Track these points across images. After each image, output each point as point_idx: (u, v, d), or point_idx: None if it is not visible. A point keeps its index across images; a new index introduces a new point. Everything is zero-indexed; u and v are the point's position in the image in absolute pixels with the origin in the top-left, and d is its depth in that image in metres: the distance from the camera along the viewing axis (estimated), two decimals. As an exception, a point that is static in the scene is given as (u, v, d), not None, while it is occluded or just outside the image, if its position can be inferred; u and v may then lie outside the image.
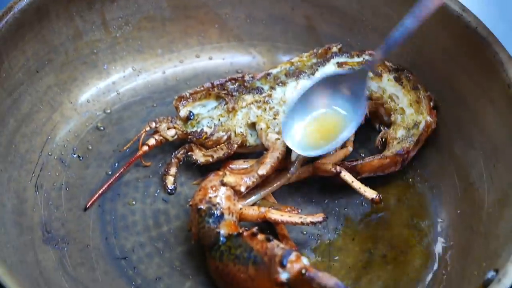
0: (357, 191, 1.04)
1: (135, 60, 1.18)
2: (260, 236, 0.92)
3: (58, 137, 1.10)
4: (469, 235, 1.01)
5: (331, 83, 1.04)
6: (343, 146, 1.09)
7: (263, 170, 1.01)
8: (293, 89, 1.09)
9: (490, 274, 0.90)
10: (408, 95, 1.11)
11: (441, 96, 1.11)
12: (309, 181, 1.09)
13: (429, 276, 1.01)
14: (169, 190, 1.08)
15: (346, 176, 1.04)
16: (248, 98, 1.09)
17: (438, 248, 1.03)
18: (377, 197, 1.03)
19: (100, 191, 1.05)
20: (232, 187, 0.98)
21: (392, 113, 1.11)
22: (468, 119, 1.08)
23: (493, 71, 1.03)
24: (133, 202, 1.06)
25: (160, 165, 1.10)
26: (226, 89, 1.10)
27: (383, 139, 1.11)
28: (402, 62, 1.14)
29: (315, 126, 1.04)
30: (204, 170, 1.08)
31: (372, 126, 1.14)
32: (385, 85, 1.11)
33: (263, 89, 1.10)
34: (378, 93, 1.11)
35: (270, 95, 1.09)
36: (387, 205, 1.08)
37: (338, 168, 1.04)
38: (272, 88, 1.10)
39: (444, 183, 1.09)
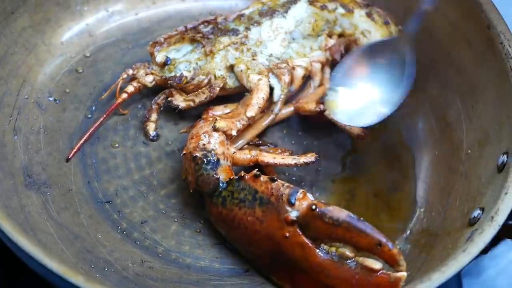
0: (342, 128, 1.03)
1: (107, 1, 1.16)
2: (263, 177, 0.91)
3: (34, 80, 1.07)
4: (448, 175, 1.03)
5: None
6: (320, 84, 1.09)
7: (251, 112, 1.00)
8: (269, 29, 1.08)
9: (476, 212, 0.92)
10: (380, 30, 1.11)
11: (416, 38, 1.12)
12: (289, 123, 1.10)
13: (412, 216, 1.03)
14: (151, 137, 1.06)
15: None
16: (225, 40, 1.07)
17: (419, 188, 1.05)
18: (362, 133, 1.03)
19: (81, 141, 1.03)
20: (224, 132, 0.96)
21: None
22: (443, 60, 1.09)
23: (471, 12, 1.04)
24: (114, 145, 1.05)
25: (139, 106, 1.09)
26: (201, 32, 1.08)
27: None
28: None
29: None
30: (184, 114, 1.08)
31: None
32: (357, 21, 1.11)
33: (238, 30, 1.08)
34: (350, 30, 1.11)
35: (246, 36, 1.08)
36: (365, 147, 1.09)
37: (322, 106, 1.04)
38: (247, 28, 1.08)
39: (420, 123, 1.11)
